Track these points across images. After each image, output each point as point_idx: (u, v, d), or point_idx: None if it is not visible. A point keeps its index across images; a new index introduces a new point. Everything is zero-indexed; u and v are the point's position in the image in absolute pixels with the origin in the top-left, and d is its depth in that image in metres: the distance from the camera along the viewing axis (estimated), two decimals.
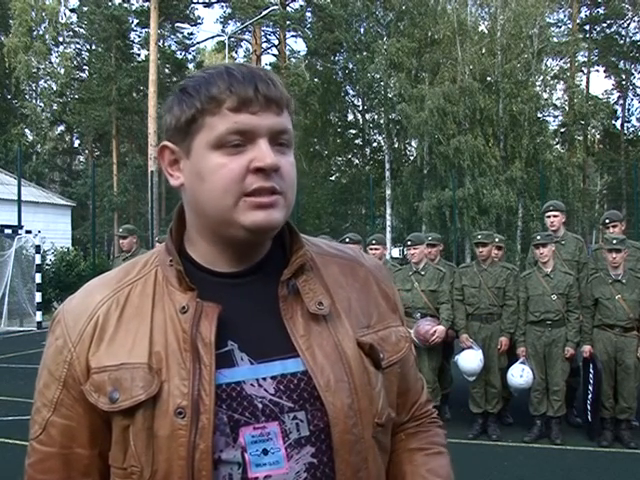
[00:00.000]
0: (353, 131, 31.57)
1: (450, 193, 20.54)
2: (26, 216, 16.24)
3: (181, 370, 0.89)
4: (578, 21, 30.48)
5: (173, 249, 0.98)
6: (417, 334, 5.60)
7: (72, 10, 31.97)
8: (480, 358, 5.61)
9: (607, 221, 6.07)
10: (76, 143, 37.74)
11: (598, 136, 32.51)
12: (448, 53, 23.83)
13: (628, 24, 31.12)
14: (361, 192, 27.41)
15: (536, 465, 4.99)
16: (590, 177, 31.37)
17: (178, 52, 32.33)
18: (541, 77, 24.60)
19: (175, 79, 30.60)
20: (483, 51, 23.63)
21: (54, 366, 0.95)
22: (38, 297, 14.73)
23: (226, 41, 26.10)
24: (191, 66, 32.41)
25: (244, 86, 0.91)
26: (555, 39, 26.32)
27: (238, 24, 28.96)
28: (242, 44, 32.49)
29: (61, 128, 35.35)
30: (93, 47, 32.96)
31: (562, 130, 27.98)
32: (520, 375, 5.53)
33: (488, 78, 23.64)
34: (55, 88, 31.34)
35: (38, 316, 14.56)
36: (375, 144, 30.70)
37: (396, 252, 22.80)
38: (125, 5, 30.53)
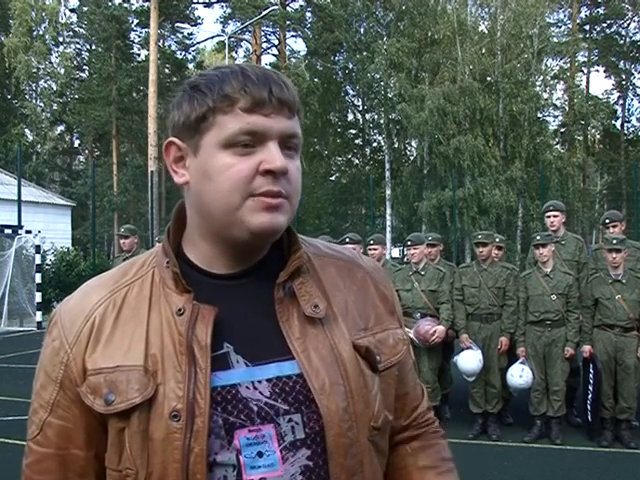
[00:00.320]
0: (353, 131, 31.59)
1: (450, 193, 20.54)
2: (26, 216, 16.25)
3: (177, 373, 0.89)
4: (578, 21, 30.49)
5: (170, 250, 0.97)
6: (417, 334, 5.59)
7: (72, 10, 32.04)
8: (479, 359, 5.61)
9: (607, 221, 6.07)
10: (76, 143, 37.78)
11: (598, 136, 32.51)
12: (448, 53, 23.83)
13: (628, 24, 31.15)
14: (361, 192, 27.43)
15: (536, 465, 4.98)
16: (590, 177, 31.38)
17: (178, 52, 32.35)
18: (541, 77, 24.61)
19: (175, 79, 30.63)
20: (483, 51, 23.64)
21: (51, 367, 0.95)
22: (38, 297, 14.74)
23: (226, 41, 26.10)
24: (191, 66, 32.42)
25: (259, 87, 0.90)
26: (555, 39, 26.36)
27: (238, 24, 28.96)
28: (242, 44, 32.54)
29: (61, 128, 35.38)
30: (93, 47, 32.98)
31: (562, 130, 27.99)
32: (520, 375, 5.52)
33: (488, 78, 23.65)
34: (55, 88, 31.34)
35: (38, 316, 14.57)
36: (375, 144, 30.74)
37: (396, 252, 22.82)
38: (125, 5, 30.56)
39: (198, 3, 31.72)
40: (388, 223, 24.01)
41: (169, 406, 0.88)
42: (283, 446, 0.90)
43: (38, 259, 14.98)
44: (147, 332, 0.92)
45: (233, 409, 0.89)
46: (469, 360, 5.65)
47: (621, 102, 32.62)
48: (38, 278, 14.84)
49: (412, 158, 26.84)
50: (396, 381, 1.03)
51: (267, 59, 34.93)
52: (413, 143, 26.65)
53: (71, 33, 32.52)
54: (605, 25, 31.70)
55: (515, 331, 5.68)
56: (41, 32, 31.03)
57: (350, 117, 31.25)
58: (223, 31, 30.20)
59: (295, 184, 0.94)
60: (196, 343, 0.90)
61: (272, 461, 0.89)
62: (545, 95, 25.00)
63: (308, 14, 29.38)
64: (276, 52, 31.51)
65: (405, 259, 8.57)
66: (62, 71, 31.16)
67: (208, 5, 31.54)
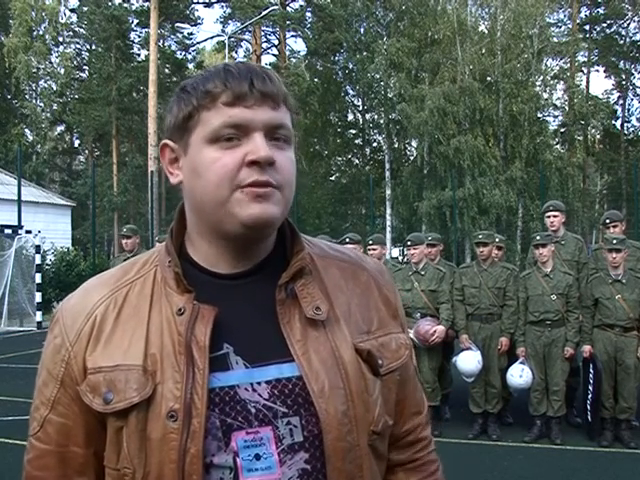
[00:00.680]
0: (353, 131, 31.60)
1: (450, 193, 20.54)
2: (26, 216, 16.25)
3: (175, 373, 0.89)
4: (578, 21, 30.50)
5: (172, 250, 0.97)
6: (417, 334, 5.59)
7: (72, 10, 32.03)
8: (478, 359, 5.61)
9: (607, 221, 6.06)
10: (76, 143, 37.77)
11: (598, 136, 32.51)
12: (448, 53, 23.84)
13: (628, 24, 31.16)
14: (361, 192, 27.44)
15: (536, 465, 4.98)
16: (590, 177, 31.38)
17: (178, 52, 32.35)
18: (541, 77, 24.62)
19: (175, 79, 30.61)
20: (483, 51, 23.65)
21: (52, 365, 0.95)
22: (38, 297, 14.75)
23: (226, 41, 26.12)
24: (191, 66, 32.41)
25: (239, 81, 0.91)
26: (555, 39, 26.36)
27: (238, 24, 28.95)
28: (242, 44, 32.53)
29: (61, 128, 35.38)
30: (93, 47, 32.97)
31: (562, 130, 28.00)
32: (520, 375, 5.52)
33: (488, 78, 23.66)
34: (55, 88, 31.34)
35: (38, 316, 14.57)
36: (375, 144, 30.74)
37: (396, 252, 22.83)
38: (125, 5, 30.55)
39: (198, 3, 31.75)
40: (388, 223, 24.02)
41: (166, 406, 0.87)
42: (281, 449, 0.89)
43: (38, 259, 14.98)
44: (147, 331, 0.92)
45: (231, 410, 0.89)
46: (468, 361, 5.65)
47: (621, 102, 32.65)
48: (38, 278, 14.84)
49: (412, 158, 26.85)
50: (397, 385, 1.02)
51: (267, 59, 34.97)
52: (413, 143, 26.69)
53: (71, 33, 32.54)
54: (605, 25, 31.72)
55: (515, 331, 5.68)
56: (41, 32, 31.03)
57: (350, 117, 31.29)
58: (223, 31, 30.24)
59: (287, 174, 0.93)
60: (195, 343, 0.90)
61: (269, 464, 0.89)
62: (545, 95, 25.02)
63: (308, 14, 29.40)
64: (276, 52, 31.53)
65: (405, 259, 8.57)
66: (62, 71, 31.16)
67: (208, 5, 31.55)
